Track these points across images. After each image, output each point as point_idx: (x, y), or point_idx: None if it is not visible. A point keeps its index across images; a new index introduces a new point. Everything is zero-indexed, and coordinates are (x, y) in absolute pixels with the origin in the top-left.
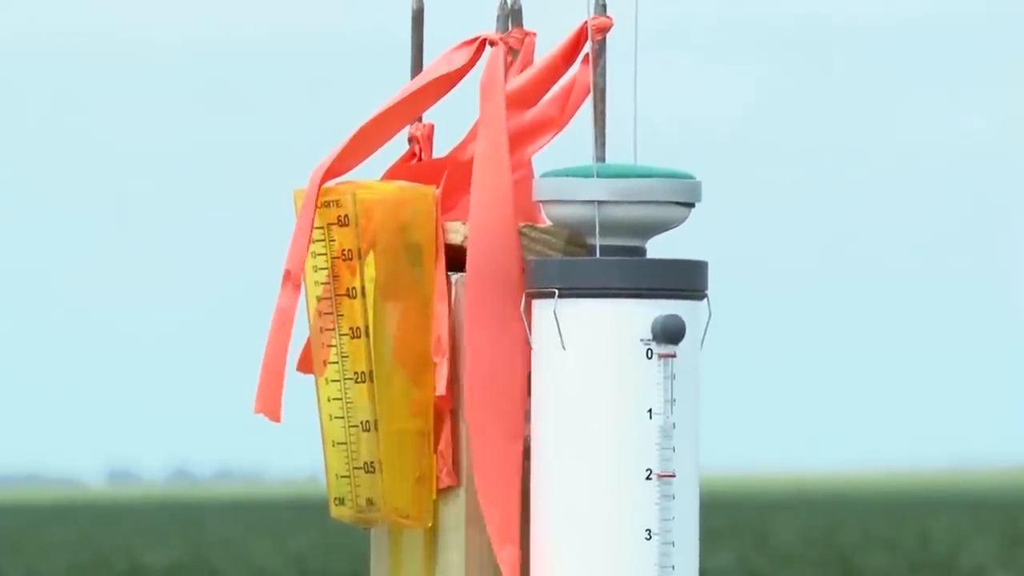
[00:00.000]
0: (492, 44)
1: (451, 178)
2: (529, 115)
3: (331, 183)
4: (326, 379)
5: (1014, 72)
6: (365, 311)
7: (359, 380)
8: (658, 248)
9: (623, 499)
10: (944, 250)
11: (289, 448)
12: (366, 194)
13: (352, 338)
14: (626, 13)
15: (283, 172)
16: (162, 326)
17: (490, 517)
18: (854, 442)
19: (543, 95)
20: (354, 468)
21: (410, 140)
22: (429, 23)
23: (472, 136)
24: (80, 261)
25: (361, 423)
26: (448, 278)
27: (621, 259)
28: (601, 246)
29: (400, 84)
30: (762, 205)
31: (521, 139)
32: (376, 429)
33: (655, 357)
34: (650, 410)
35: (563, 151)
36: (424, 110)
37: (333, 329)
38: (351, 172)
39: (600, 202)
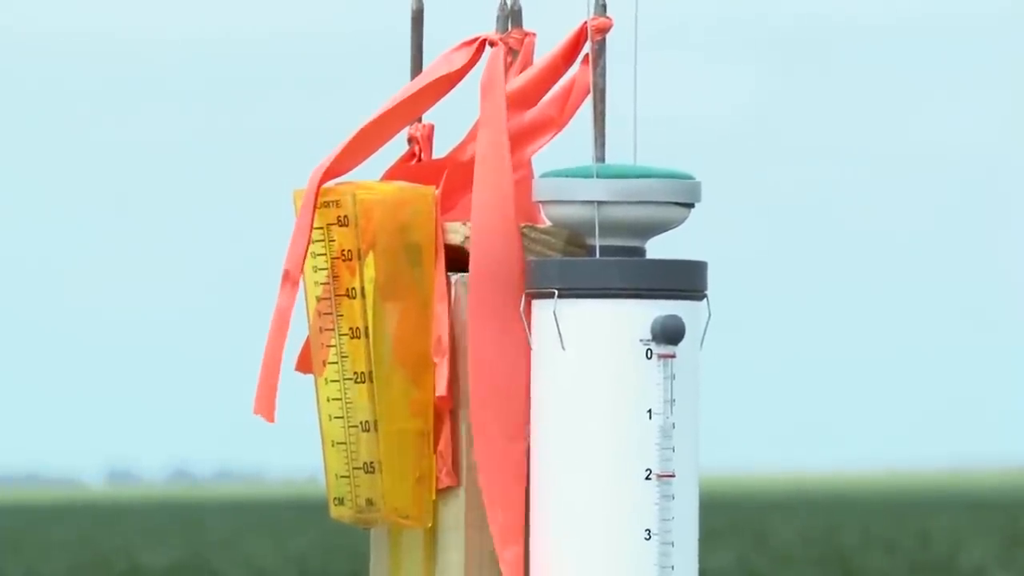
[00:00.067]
0: (492, 44)
1: (451, 178)
2: (529, 115)
3: (331, 183)
4: (326, 379)
5: (1014, 72)
6: (365, 311)
7: (359, 380)
8: (658, 248)
9: (622, 499)
10: (944, 250)
11: (289, 448)
12: (366, 194)
13: (352, 338)
14: (626, 13)
15: (283, 172)
16: (162, 326)
17: (493, 517)
18: (854, 442)
19: (543, 95)
20: (354, 468)
21: (410, 140)
22: (429, 23)
23: (472, 136)
24: (80, 261)
25: (361, 423)
26: (448, 278)
27: (621, 259)
28: (601, 246)
29: (400, 84)
30: (762, 205)
31: (521, 139)
32: (376, 429)
33: (655, 357)
34: (650, 410)
35: (563, 151)
36: (424, 111)
37: (333, 329)
38: (351, 172)
39: (600, 202)
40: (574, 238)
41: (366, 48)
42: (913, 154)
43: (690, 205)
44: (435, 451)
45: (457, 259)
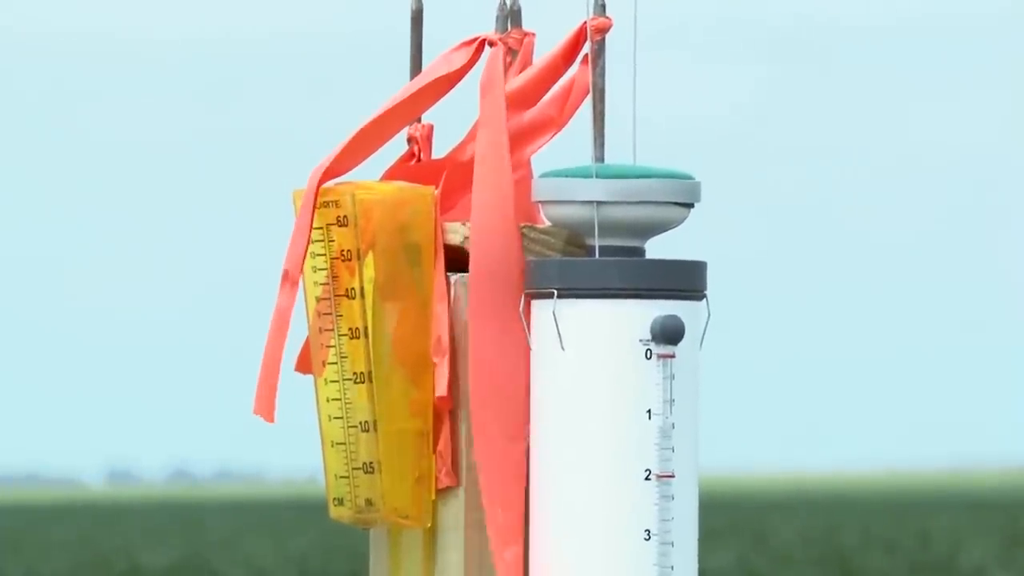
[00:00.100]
0: (491, 44)
1: (450, 178)
2: (528, 115)
3: (330, 183)
4: (325, 379)
5: (1014, 72)
6: (364, 311)
7: (358, 380)
8: (657, 248)
9: (622, 499)
10: (944, 250)
11: (288, 449)
12: (365, 194)
13: (351, 338)
14: (625, 13)
15: (283, 172)
16: (162, 326)
17: (493, 518)
18: (854, 442)
19: (542, 95)
20: (353, 468)
21: (409, 140)
22: (428, 23)
23: (471, 136)
24: (80, 261)
25: (360, 423)
26: (447, 278)
27: (620, 259)
28: (600, 246)
29: (399, 84)
30: (762, 205)
31: (520, 139)
32: (375, 429)
33: (654, 357)
34: (649, 410)
35: (562, 151)
36: (423, 111)
37: (332, 329)
38: (350, 172)
39: (599, 202)
40: (573, 238)
41: (366, 48)
42: (913, 154)
43: (690, 205)
44: (434, 451)
45: (457, 259)
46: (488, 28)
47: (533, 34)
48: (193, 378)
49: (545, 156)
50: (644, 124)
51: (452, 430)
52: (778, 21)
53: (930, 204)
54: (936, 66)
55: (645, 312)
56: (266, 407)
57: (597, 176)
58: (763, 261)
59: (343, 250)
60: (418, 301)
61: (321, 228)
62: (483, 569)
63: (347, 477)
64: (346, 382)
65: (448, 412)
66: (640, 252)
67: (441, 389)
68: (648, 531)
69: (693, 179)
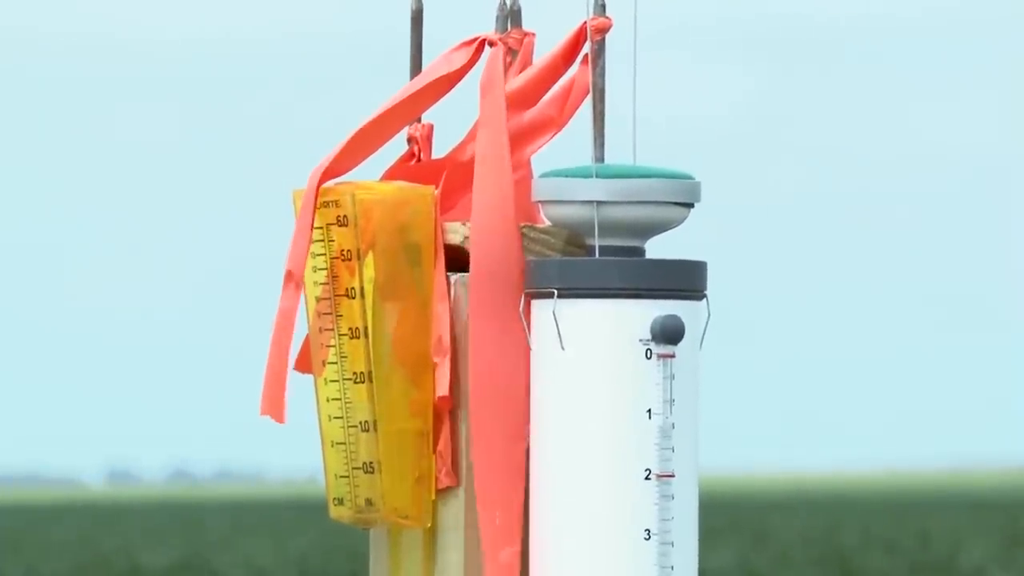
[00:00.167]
0: (491, 44)
1: (450, 178)
2: (528, 115)
3: (330, 183)
4: (325, 379)
5: (1014, 72)
6: (364, 311)
7: (358, 380)
8: (657, 248)
9: (622, 499)
10: (944, 250)
11: (288, 449)
12: (365, 194)
13: (351, 338)
14: (625, 13)
15: (283, 172)
16: (162, 326)
17: (490, 519)
18: (854, 442)
19: (542, 95)
20: (353, 468)
21: (409, 140)
22: (428, 23)
23: (471, 136)
24: (80, 261)
25: (360, 423)
26: (448, 278)
27: (620, 259)
28: (600, 246)
29: (399, 84)
30: (762, 205)
31: (520, 139)
32: (375, 429)
33: (654, 357)
34: (649, 410)
35: (562, 151)
36: (423, 111)
37: (332, 329)
38: (350, 172)
39: (599, 202)
40: (574, 238)
41: (366, 48)
42: (912, 154)
43: (690, 205)
44: (435, 451)
45: (457, 259)
46: (488, 28)
47: (533, 34)
48: (193, 378)
49: (545, 156)
50: (644, 124)
51: (452, 430)
52: (777, 21)
53: (930, 204)
54: (936, 66)
55: (645, 312)
56: (275, 408)
57: (597, 176)
58: (763, 261)
59: (343, 250)
60: (418, 301)
61: (321, 228)
62: (483, 569)
63: (347, 477)
64: (346, 382)
65: (448, 412)
66: (640, 252)
67: (442, 389)
68: (648, 531)
69: (693, 179)
